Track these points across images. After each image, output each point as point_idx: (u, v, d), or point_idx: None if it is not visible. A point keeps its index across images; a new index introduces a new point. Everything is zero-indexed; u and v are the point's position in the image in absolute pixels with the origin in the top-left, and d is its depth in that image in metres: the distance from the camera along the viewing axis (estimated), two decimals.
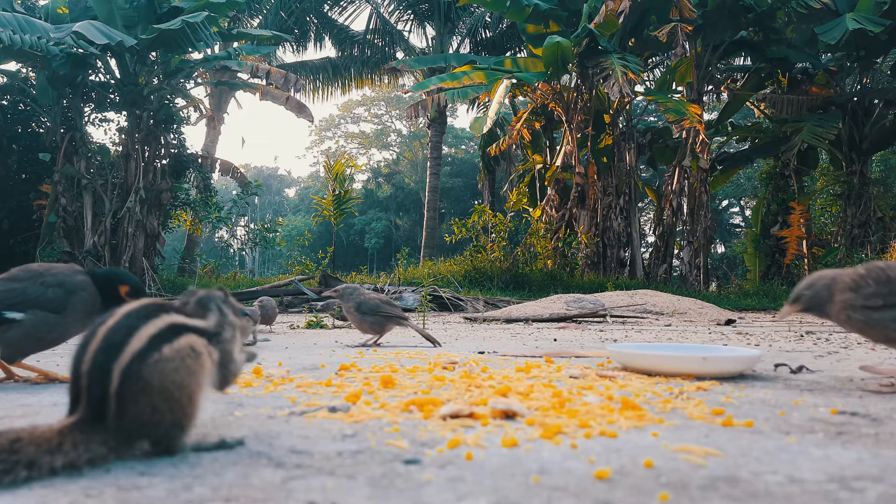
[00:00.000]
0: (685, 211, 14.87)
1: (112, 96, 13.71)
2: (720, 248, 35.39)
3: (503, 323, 6.77)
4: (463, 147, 44.93)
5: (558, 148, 15.83)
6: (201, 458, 0.99)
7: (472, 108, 23.33)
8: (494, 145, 16.87)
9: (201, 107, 17.36)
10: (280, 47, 21.80)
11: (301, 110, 16.32)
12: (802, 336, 4.48)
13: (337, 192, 14.65)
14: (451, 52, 21.11)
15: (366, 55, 21.88)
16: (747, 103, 16.92)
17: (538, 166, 16.52)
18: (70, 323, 1.73)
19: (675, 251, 15.48)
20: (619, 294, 8.83)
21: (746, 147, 17.62)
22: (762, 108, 16.90)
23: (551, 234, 14.68)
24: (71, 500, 0.80)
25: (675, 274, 15.40)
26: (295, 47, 22.34)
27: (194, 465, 0.95)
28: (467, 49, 21.99)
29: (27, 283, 1.71)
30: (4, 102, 13.92)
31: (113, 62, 13.16)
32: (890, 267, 1.69)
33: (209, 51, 15.26)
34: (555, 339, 4.20)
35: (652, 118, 28.27)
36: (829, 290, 1.76)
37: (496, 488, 0.85)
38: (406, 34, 22.88)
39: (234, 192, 19.02)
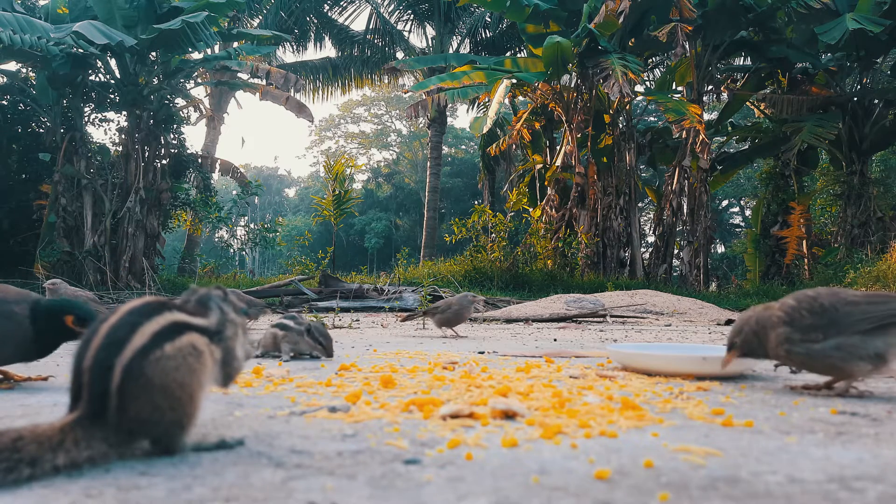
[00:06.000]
0: (685, 211, 14.86)
1: (112, 96, 13.69)
2: (720, 248, 35.37)
3: (503, 323, 6.77)
4: (463, 147, 44.91)
5: (558, 148, 15.82)
6: (201, 458, 0.99)
7: (472, 108, 23.32)
8: (494, 145, 16.86)
9: (201, 107, 17.35)
10: (280, 47, 21.79)
11: (301, 110, 16.31)
12: None
13: (337, 192, 14.63)
14: (451, 52, 21.10)
15: (366, 55, 21.87)
16: (747, 103, 16.90)
17: (538, 166, 16.51)
18: None
19: (675, 251, 15.47)
20: (619, 294, 8.82)
21: (746, 147, 17.60)
22: (762, 108, 16.89)
23: (551, 234, 14.67)
24: (71, 499, 0.80)
25: (675, 274, 15.39)
26: (295, 47, 22.33)
27: (194, 465, 0.95)
28: (467, 49, 21.98)
29: None
30: (4, 102, 13.91)
31: (113, 62, 13.15)
32: (820, 294, 1.66)
33: (209, 51, 15.25)
34: (555, 339, 4.20)
35: (652, 118, 28.26)
36: (758, 333, 1.71)
37: (496, 488, 0.85)
38: (406, 34, 22.87)
39: (234, 192, 19.01)
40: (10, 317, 1.60)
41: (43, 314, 1.61)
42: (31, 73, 13.58)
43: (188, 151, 14.54)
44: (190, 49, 12.51)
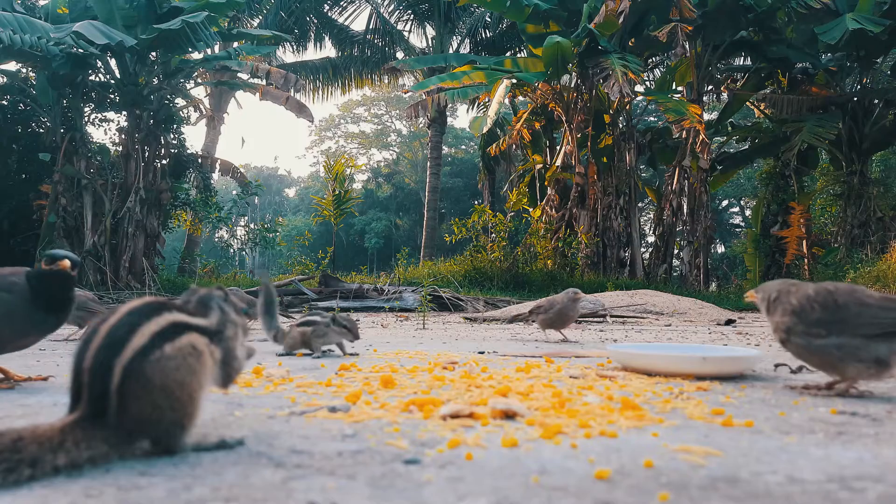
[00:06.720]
0: (685, 211, 14.87)
1: (112, 96, 13.69)
2: (720, 248, 35.36)
3: (503, 323, 6.77)
4: (463, 147, 44.89)
5: (558, 148, 15.82)
6: (201, 458, 0.99)
7: (472, 108, 23.29)
8: (494, 145, 16.86)
9: (201, 107, 17.34)
10: (280, 47, 21.79)
11: (301, 110, 16.30)
12: None
13: (337, 192, 14.63)
14: (451, 52, 21.09)
15: (366, 55, 21.87)
16: (747, 103, 16.91)
17: (538, 166, 16.51)
18: None
19: (675, 251, 15.47)
20: (619, 294, 8.82)
21: (746, 147, 17.61)
22: (762, 108, 16.89)
23: (551, 234, 14.67)
24: (71, 500, 0.80)
25: (675, 274, 15.39)
26: (295, 47, 22.33)
27: (194, 465, 0.95)
28: (467, 49, 21.98)
29: None
30: (4, 102, 13.91)
31: (113, 62, 13.14)
32: (839, 290, 1.65)
33: (209, 51, 15.25)
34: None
35: (652, 118, 28.25)
36: (769, 304, 1.78)
37: (496, 488, 0.85)
38: (406, 34, 22.87)
39: (234, 192, 19.01)
40: (10, 288, 1.65)
41: (35, 274, 1.69)
42: (31, 73, 13.58)
43: (188, 151, 14.54)
44: (190, 49, 12.51)
